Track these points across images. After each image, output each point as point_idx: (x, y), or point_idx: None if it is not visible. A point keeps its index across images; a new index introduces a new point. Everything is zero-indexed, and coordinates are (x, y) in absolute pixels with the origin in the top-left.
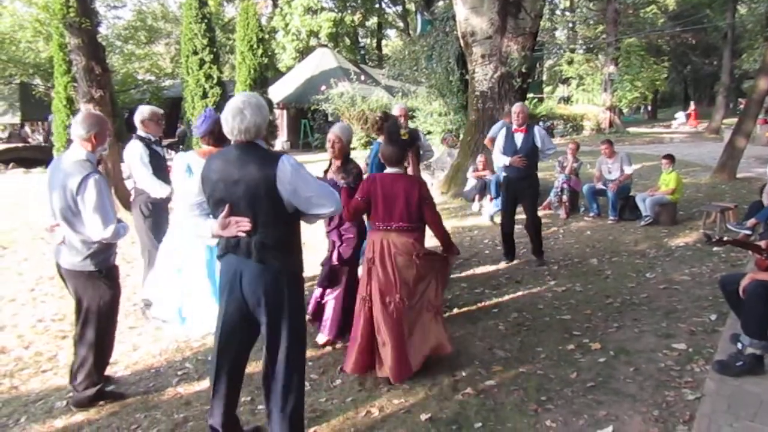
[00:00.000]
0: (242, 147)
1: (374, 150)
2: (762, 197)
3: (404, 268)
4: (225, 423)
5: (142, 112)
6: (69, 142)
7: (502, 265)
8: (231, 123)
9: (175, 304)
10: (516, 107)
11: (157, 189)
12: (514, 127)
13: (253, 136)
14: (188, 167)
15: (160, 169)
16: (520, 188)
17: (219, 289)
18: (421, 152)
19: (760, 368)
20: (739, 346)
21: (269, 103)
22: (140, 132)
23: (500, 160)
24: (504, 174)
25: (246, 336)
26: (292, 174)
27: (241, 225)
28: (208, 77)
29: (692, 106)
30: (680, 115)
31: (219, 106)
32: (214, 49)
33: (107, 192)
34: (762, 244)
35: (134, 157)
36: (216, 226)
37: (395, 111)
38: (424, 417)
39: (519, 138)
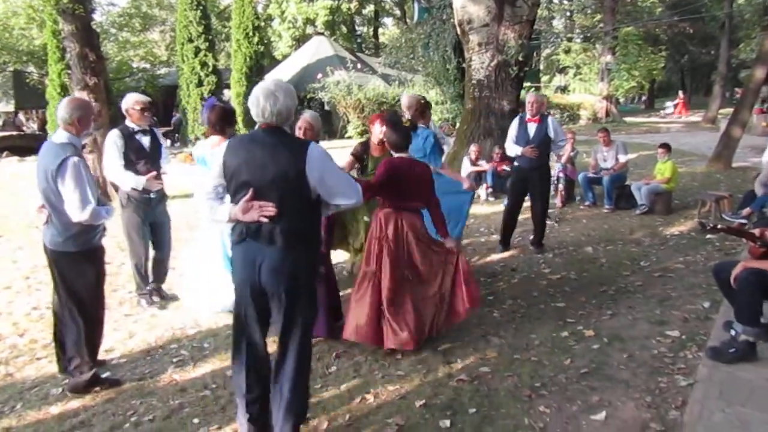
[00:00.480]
0: (270, 131)
1: (424, 135)
2: (755, 186)
3: (414, 245)
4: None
5: (126, 100)
6: None
7: (498, 253)
8: (263, 104)
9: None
10: (530, 97)
11: (124, 181)
12: (528, 116)
13: (284, 120)
14: (201, 159)
15: (143, 160)
16: (532, 178)
17: (233, 275)
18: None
19: (753, 355)
20: (733, 333)
21: None
22: (127, 121)
23: (512, 150)
24: (515, 163)
25: (263, 317)
26: (321, 161)
27: (265, 210)
28: (204, 65)
29: (681, 95)
30: (670, 105)
31: (215, 94)
32: (210, 37)
33: (87, 174)
34: (756, 232)
35: (106, 147)
36: (236, 210)
37: (404, 100)
38: (419, 403)
39: (532, 128)
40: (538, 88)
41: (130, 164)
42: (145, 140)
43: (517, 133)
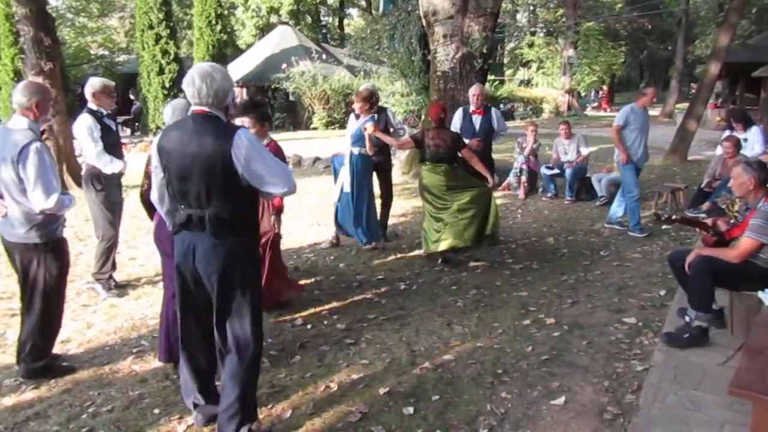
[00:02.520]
0: (200, 117)
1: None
2: (704, 179)
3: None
4: (204, 394)
5: (93, 84)
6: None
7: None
8: (198, 84)
9: None
10: (475, 90)
11: (107, 164)
12: (472, 109)
13: (220, 102)
14: None
15: (113, 143)
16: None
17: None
18: (391, 130)
19: (705, 340)
20: (687, 319)
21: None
22: (91, 105)
23: None
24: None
25: (205, 303)
26: (248, 149)
27: None
28: (165, 53)
29: (604, 91)
30: (595, 99)
31: (176, 83)
32: (171, 24)
33: (50, 161)
34: (708, 221)
35: (83, 131)
36: None
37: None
38: (382, 390)
39: (477, 120)
40: (502, 82)
41: (105, 148)
42: (112, 124)
43: (462, 126)
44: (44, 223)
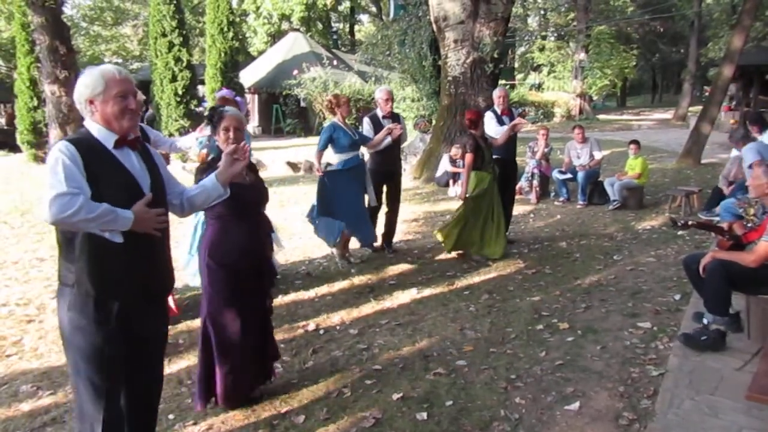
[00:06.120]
0: None
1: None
2: (720, 181)
3: None
4: None
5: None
6: (32, 124)
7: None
8: None
9: None
10: (501, 92)
11: None
12: (500, 110)
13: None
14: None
15: None
16: (509, 169)
17: None
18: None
19: (722, 344)
20: (705, 322)
21: (240, 87)
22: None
23: (497, 132)
24: (496, 156)
25: None
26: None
27: None
28: (178, 60)
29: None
30: None
31: (189, 90)
32: (184, 32)
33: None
34: (724, 225)
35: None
36: None
37: (378, 94)
38: (396, 396)
39: (506, 121)
40: (513, 86)
41: None
42: None
43: (497, 126)
44: None
